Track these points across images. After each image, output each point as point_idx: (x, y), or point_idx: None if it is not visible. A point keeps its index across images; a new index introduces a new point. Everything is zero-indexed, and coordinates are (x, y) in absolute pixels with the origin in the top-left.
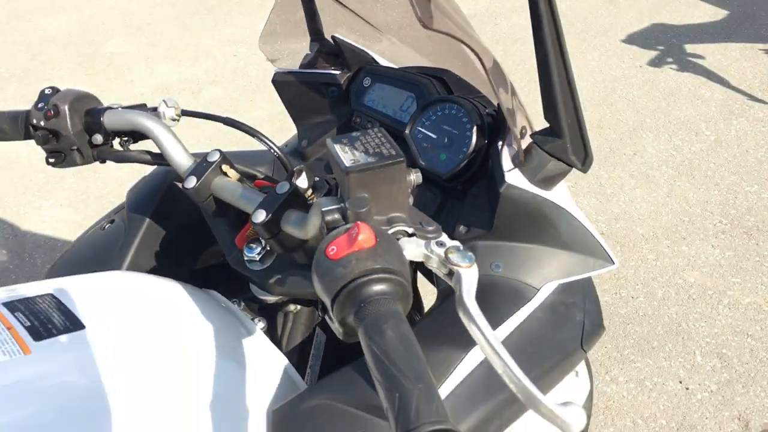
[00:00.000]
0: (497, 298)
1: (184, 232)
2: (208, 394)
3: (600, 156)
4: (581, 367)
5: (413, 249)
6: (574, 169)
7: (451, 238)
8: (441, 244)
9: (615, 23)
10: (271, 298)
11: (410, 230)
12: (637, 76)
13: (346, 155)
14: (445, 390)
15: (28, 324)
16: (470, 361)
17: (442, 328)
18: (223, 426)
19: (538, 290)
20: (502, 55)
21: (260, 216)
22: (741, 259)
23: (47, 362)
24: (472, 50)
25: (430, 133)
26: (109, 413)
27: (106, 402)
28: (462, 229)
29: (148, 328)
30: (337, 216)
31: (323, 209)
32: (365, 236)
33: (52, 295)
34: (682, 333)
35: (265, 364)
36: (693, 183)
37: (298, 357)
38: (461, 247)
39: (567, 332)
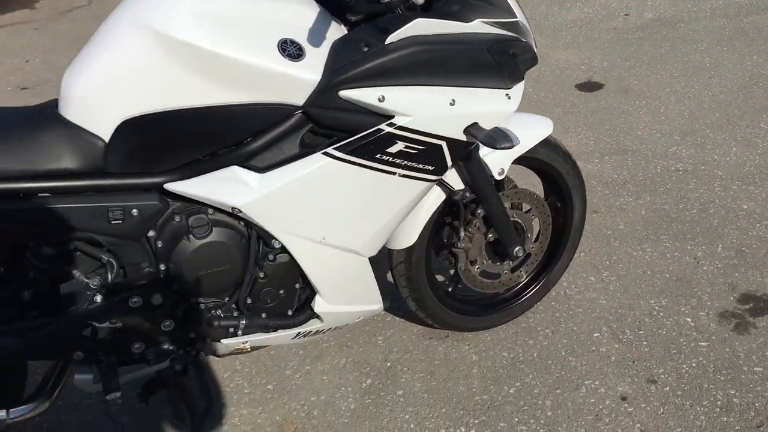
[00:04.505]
0: (452, 12)
1: None
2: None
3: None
4: (515, 93)
5: None
6: None
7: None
8: None
9: None
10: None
11: None
12: None
13: None
14: None
15: None
16: None
17: None
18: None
19: (471, 22)
20: (669, 51)
21: None
22: None
23: None
24: None
25: None
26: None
27: None
28: None
29: None
30: None
31: None
32: None
33: None
34: None
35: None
36: None
37: None
38: None
39: (480, 43)
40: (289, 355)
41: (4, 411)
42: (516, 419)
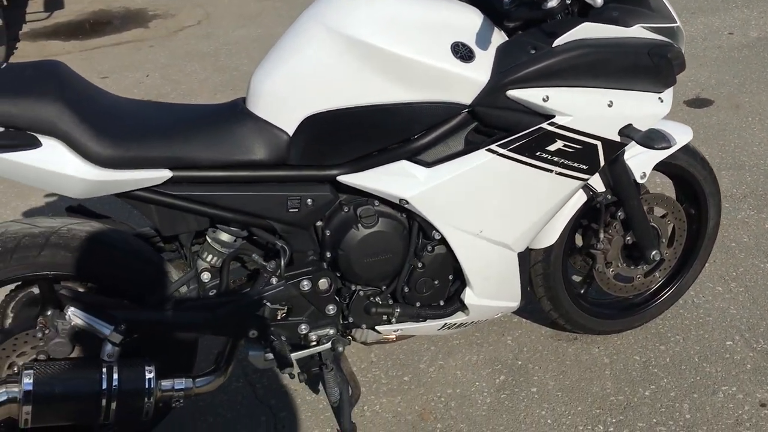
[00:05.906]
0: (613, 18)
1: None
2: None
3: None
4: (666, 97)
5: None
6: None
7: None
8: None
9: None
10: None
11: None
12: None
13: None
14: None
15: None
16: None
17: None
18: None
19: (631, 27)
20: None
21: None
22: None
23: None
24: None
25: None
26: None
27: None
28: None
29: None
30: None
31: None
32: None
33: None
34: None
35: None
36: None
37: None
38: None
39: (640, 47)
40: (422, 350)
41: (191, 380)
42: (654, 420)
